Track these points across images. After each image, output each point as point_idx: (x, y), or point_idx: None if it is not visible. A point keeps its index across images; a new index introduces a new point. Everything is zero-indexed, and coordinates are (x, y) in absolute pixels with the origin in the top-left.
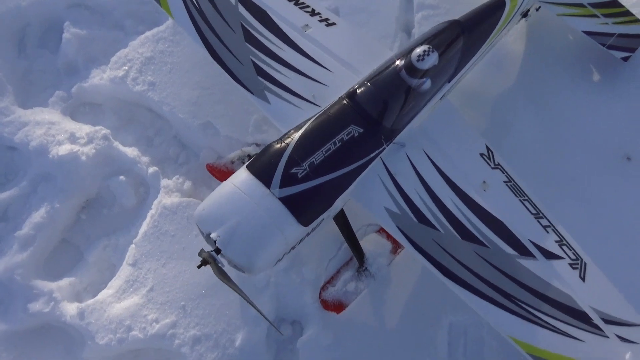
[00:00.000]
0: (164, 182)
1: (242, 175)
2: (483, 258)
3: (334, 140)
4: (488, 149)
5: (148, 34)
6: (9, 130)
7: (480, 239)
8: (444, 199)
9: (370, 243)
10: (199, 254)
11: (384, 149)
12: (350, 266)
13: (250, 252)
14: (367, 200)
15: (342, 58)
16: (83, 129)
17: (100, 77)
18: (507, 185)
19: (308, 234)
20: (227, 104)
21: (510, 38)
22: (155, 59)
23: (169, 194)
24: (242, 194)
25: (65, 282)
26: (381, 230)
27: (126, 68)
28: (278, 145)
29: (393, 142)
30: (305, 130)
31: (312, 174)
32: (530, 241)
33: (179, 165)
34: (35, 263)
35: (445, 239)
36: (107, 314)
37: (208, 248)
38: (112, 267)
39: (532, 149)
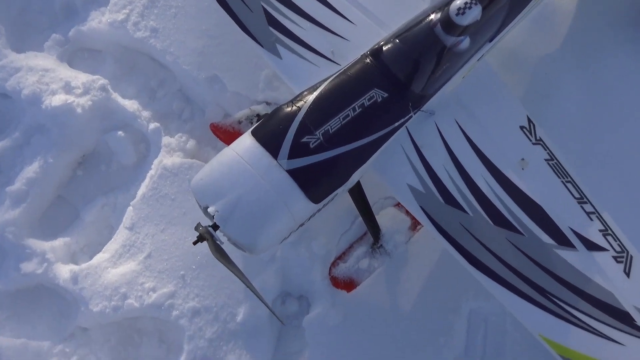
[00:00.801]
0: (166, 139)
1: (246, 141)
2: (516, 247)
3: (353, 105)
4: (529, 121)
5: None
6: (1, 76)
7: (515, 224)
8: (475, 177)
9: (387, 218)
10: (196, 228)
11: (411, 117)
12: (364, 242)
13: (252, 230)
14: (387, 174)
15: (368, 9)
16: (79, 78)
17: (99, 20)
18: (548, 164)
19: (319, 210)
20: (235, 57)
21: None
22: (158, 2)
23: (170, 153)
24: (244, 164)
25: (60, 242)
26: (400, 205)
27: (127, 11)
28: (288, 109)
29: (421, 109)
30: (320, 92)
31: (326, 144)
32: (571, 229)
33: (183, 121)
34: (28, 221)
35: (474, 224)
36: (102, 280)
37: (206, 222)
38: (110, 228)
39: (574, 121)
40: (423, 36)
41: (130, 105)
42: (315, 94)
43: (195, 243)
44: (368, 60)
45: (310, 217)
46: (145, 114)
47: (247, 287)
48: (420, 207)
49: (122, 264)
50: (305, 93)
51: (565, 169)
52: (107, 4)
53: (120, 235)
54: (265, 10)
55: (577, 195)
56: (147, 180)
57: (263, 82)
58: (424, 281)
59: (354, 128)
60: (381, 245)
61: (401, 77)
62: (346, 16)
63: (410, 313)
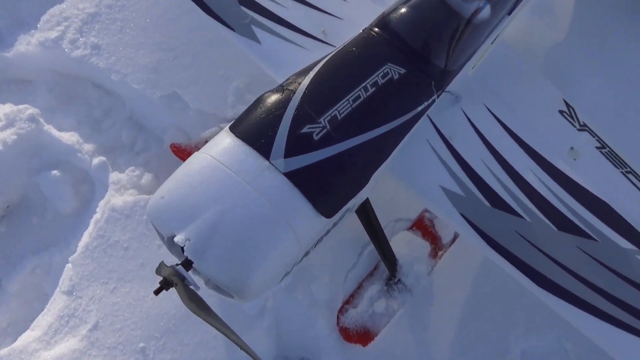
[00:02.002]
0: (114, 176)
1: (222, 141)
2: (591, 256)
3: (364, 84)
4: (567, 104)
5: None
6: None
7: (584, 229)
8: (524, 172)
9: (401, 245)
10: (157, 271)
11: (435, 100)
12: (376, 278)
13: (240, 263)
14: (412, 177)
15: None
16: (1, 109)
17: (27, 42)
18: (601, 152)
19: (328, 232)
20: (198, 69)
21: None
22: (100, 16)
23: (120, 192)
24: (224, 170)
25: None
26: (414, 227)
27: (61, 28)
28: (277, 95)
29: (446, 90)
30: (319, 71)
31: (335, 135)
32: None
33: (136, 154)
34: None
35: (534, 231)
36: None
37: (172, 260)
38: (44, 296)
39: (597, 115)
40: (438, 3)
41: (68, 137)
42: (312, 74)
43: (157, 292)
44: (374, 32)
45: (319, 240)
46: (88, 147)
47: (238, 345)
48: (461, 214)
49: (58, 342)
50: (297, 76)
51: (621, 158)
52: (36, 25)
53: (56, 304)
54: None
55: None
56: (91, 227)
57: (233, 96)
58: (458, 321)
59: (368, 112)
60: (399, 280)
61: (419, 48)
62: None
63: None
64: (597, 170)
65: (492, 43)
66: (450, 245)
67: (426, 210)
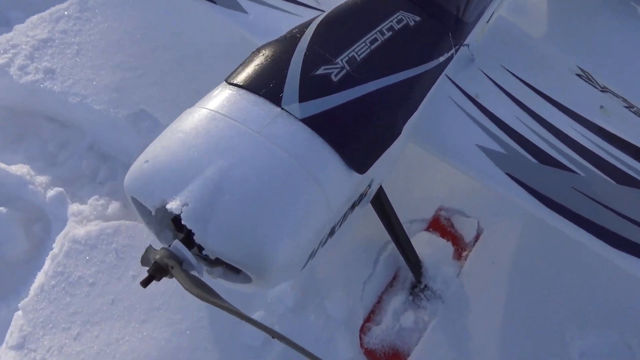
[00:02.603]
0: (74, 207)
1: (219, 94)
2: None
3: (379, 28)
4: (582, 69)
5: (43, 14)
6: None
7: None
8: (563, 127)
9: (421, 246)
10: (144, 260)
11: (454, 53)
12: (397, 288)
13: (259, 227)
14: (443, 139)
15: None
16: None
17: None
18: (630, 111)
19: (345, 217)
20: (166, 86)
21: None
22: (54, 41)
23: (82, 223)
24: (225, 120)
25: None
26: (431, 228)
27: (9, 55)
28: (280, 41)
29: (463, 44)
30: (327, 17)
31: (356, 75)
32: None
33: (99, 184)
34: None
35: (592, 186)
36: None
37: (163, 242)
38: None
39: None
40: None
41: (18, 169)
42: (319, 19)
43: (146, 282)
44: None
45: (348, 211)
46: (42, 179)
47: (262, 329)
48: (507, 174)
49: None
50: (300, 26)
51: None
52: None
53: None
54: None
55: None
56: (47, 264)
57: None
58: (501, 326)
59: (390, 55)
60: (425, 285)
61: None
62: None
63: None
64: (632, 125)
65: (493, 12)
66: (474, 244)
67: (441, 209)
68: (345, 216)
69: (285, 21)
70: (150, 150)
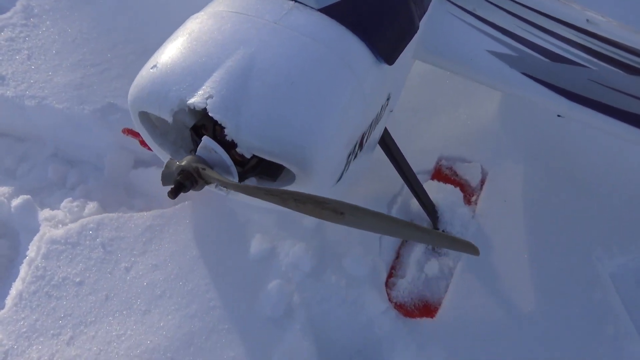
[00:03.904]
0: (46, 213)
1: None
2: None
3: None
4: None
5: None
6: None
7: None
8: (562, 32)
9: (432, 194)
10: (165, 177)
11: None
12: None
13: (298, 112)
14: (453, 50)
15: None
16: None
17: None
18: (612, 24)
19: (374, 124)
20: (133, 78)
21: None
22: (0, 50)
23: (56, 226)
24: (238, 15)
25: None
26: (436, 177)
27: None
28: None
29: None
30: None
31: None
32: None
33: (69, 189)
34: None
35: (607, 76)
36: None
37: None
38: None
39: None
40: None
41: None
42: None
43: (175, 193)
44: None
45: (385, 105)
46: (4, 190)
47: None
48: (524, 74)
49: None
50: None
51: (631, 27)
52: None
53: None
54: None
55: None
56: (23, 270)
57: None
58: (527, 257)
59: None
60: (443, 231)
61: None
62: None
63: (541, 311)
64: (621, 32)
65: None
66: (481, 187)
67: (441, 159)
68: (372, 125)
69: None
70: (155, 57)
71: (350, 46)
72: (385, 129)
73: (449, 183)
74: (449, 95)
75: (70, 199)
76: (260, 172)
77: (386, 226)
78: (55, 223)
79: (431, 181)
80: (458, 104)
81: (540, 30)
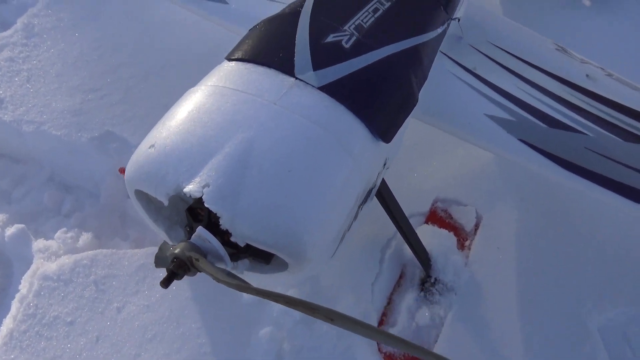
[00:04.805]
0: (40, 244)
1: (223, 70)
2: None
3: None
4: (557, 44)
5: None
6: None
7: None
8: (561, 94)
9: (426, 239)
10: (158, 260)
11: (447, 26)
12: (407, 285)
13: (295, 202)
14: (451, 112)
15: None
16: None
17: None
18: (612, 78)
19: (370, 193)
20: (132, 104)
21: None
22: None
23: (50, 259)
24: (237, 93)
25: None
26: (430, 220)
27: None
28: (281, 15)
29: (453, 17)
30: None
31: (367, 41)
32: None
33: (64, 217)
34: None
35: (603, 145)
36: None
37: (175, 242)
38: None
39: None
40: None
41: None
42: None
43: (167, 282)
44: None
45: (374, 186)
46: None
47: (321, 313)
48: (520, 140)
49: None
50: (294, 2)
51: (630, 82)
52: None
53: None
54: None
55: None
56: (14, 308)
57: None
58: (518, 309)
59: (394, 23)
60: (436, 279)
61: None
62: None
63: None
64: (620, 91)
65: None
66: (475, 232)
67: (437, 200)
68: (367, 195)
69: (269, 8)
70: (153, 134)
71: (348, 127)
72: (383, 180)
73: (443, 227)
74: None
75: (65, 229)
76: (254, 254)
77: (375, 335)
78: (49, 255)
79: (426, 225)
80: (457, 142)
81: (540, 91)
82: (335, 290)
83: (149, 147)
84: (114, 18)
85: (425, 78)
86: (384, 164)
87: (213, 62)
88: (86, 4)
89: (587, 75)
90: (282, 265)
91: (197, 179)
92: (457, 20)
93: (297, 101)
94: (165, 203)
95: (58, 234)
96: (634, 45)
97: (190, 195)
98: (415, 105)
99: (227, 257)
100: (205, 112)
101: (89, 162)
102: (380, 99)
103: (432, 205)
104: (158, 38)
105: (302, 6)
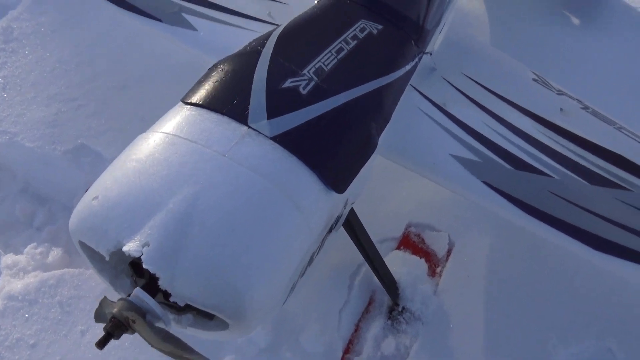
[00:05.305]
0: (8, 259)
1: (176, 115)
2: (634, 207)
3: (343, 37)
4: (536, 74)
5: None
6: None
7: (615, 180)
8: (531, 132)
9: (396, 266)
10: (98, 315)
11: (417, 61)
12: (375, 313)
13: (236, 263)
14: (416, 151)
15: None
16: None
17: None
18: (587, 112)
19: (330, 230)
20: (108, 116)
21: None
22: None
23: (19, 276)
24: (186, 143)
25: None
26: (402, 247)
27: None
28: (240, 55)
29: (425, 52)
30: (286, 28)
31: (326, 86)
32: None
33: (36, 230)
34: None
35: (568, 188)
36: None
37: (120, 292)
38: None
39: None
40: None
41: None
42: (279, 31)
43: (103, 343)
44: None
45: (326, 235)
46: None
47: None
48: (484, 183)
49: None
50: (258, 38)
51: (606, 116)
52: None
53: None
54: None
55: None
56: None
57: None
58: (484, 341)
59: (358, 65)
60: (404, 308)
61: (391, 2)
62: None
63: None
64: (594, 127)
65: (448, 18)
66: (447, 259)
67: (410, 225)
68: (323, 241)
69: (238, 37)
70: (99, 184)
71: (298, 179)
72: (352, 210)
73: (416, 252)
74: None
75: (35, 244)
76: (197, 309)
77: None
78: (17, 271)
79: (397, 251)
80: None
81: (509, 129)
82: (301, 319)
83: (93, 199)
84: (94, 23)
85: (387, 120)
86: (344, 206)
87: (191, 73)
88: (68, 8)
89: (561, 109)
90: (225, 324)
91: (138, 237)
92: (429, 54)
93: (247, 153)
94: (107, 258)
95: (28, 248)
96: (622, 65)
97: (129, 255)
98: (374, 152)
99: (166, 318)
100: (152, 163)
101: (62, 176)
102: (334, 149)
103: (405, 229)
104: (137, 46)
105: (263, 45)
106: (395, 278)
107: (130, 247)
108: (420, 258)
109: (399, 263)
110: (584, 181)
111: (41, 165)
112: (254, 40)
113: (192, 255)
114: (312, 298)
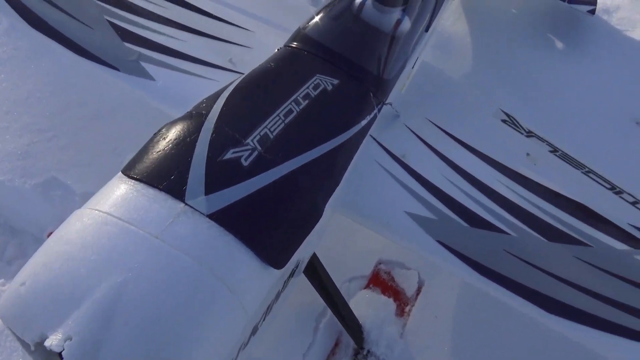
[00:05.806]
0: None
1: (114, 190)
2: (591, 264)
3: (294, 97)
4: (507, 114)
5: None
6: None
7: (575, 235)
8: (491, 183)
9: (362, 307)
10: None
11: (377, 113)
12: (340, 355)
13: (158, 356)
14: (369, 208)
15: (258, 15)
16: None
17: None
18: (556, 155)
19: (278, 296)
20: (80, 148)
21: (447, 21)
22: None
23: None
24: (119, 224)
25: None
26: (371, 285)
27: None
28: (184, 121)
29: (385, 102)
30: (235, 89)
31: (269, 156)
32: (632, 226)
33: (6, 264)
34: None
35: (524, 246)
36: None
37: None
38: None
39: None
40: (357, 10)
41: None
42: (226, 93)
43: None
44: (294, 47)
45: (269, 307)
46: None
47: None
48: (438, 241)
49: None
50: (206, 100)
51: (575, 158)
52: None
53: None
54: (113, 25)
55: (607, 186)
56: None
57: None
58: None
59: (306, 128)
60: (369, 351)
61: (349, 55)
62: (238, 24)
63: None
64: (559, 173)
65: (416, 59)
66: (416, 298)
67: (380, 262)
68: (269, 308)
69: (197, 86)
70: (29, 268)
71: (234, 260)
72: (314, 255)
73: (385, 290)
74: None
75: (3, 280)
76: None
77: None
78: None
79: (365, 291)
80: None
81: (469, 182)
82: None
83: (21, 285)
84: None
85: (337, 183)
86: (296, 266)
87: None
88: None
89: (527, 154)
90: None
91: (62, 329)
92: (389, 105)
93: (180, 233)
94: (32, 348)
95: None
96: (604, 89)
97: (50, 350)
98: (318, 221)
99: None
100: (82, 246)
101: (33, 209)
102: (273, 225)
103: (375, 267)
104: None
105: (210, 109)
106: (361, 321)
107: (52, 341)
108: (389, 297)
109: (366, 304)
110: (542, 238)
111: (12, 198)
112: (203, 100)
113: (114, 350)
114: (276, 341)
